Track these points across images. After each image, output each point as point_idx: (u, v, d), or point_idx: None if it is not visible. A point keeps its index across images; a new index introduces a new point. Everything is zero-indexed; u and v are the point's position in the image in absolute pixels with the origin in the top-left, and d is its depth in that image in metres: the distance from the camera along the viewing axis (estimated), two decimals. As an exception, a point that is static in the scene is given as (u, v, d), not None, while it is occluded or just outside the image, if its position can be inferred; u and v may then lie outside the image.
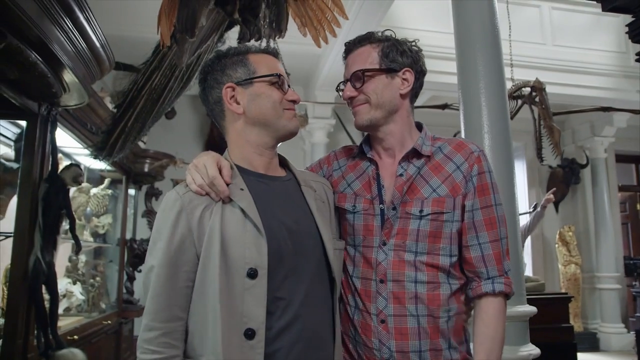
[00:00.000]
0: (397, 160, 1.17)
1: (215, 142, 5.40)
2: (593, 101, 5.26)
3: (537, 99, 3.66)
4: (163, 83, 2.11)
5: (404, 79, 1.18)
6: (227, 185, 1.03)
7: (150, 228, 4.81)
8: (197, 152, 4.75)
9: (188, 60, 2.05)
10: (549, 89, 5.03)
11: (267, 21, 1.96)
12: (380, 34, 1.21)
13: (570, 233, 6.31)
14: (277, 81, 1.10)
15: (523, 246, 4.76)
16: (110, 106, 3.76)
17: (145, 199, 4.94)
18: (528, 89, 3.75)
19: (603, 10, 2.04)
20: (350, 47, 1.22)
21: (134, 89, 2.15)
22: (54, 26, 1.96)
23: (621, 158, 6.94)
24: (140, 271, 4.71)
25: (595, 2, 2.01)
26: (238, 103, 1.10)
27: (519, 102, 3.89)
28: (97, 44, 2.26)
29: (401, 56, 1.17)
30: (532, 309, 1.81)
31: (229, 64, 1.12)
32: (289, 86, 1.14)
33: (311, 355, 1.00)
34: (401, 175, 1.14)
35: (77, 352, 2.27)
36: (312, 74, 5.24)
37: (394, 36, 1.21)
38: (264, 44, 1.92)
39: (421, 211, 1.10)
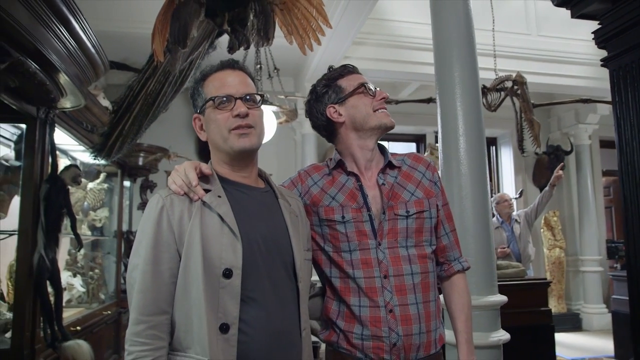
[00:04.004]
0: (374, 173, 1.35)
1: (208, 134, 5.48)
2: (577, 90, 5.39)
3: (518, 92, 3.79)
4: (157, 88, 2.21)
5: None
6: (208, 179, 1.13)
7: (146, 219, 4.91)
8: (189, 145, 4.84)
9: (181, 66, 2.15)
10: (534, 79, 5.15)
11: (255, 29, 2.06)
12: None
13: (555, 218, 6.49)
14: (213, 104, 1.14)
15: (531, 228, 4.90)
16: (104, 102, 3.85)
17: (140, 191, 5.04)
18: (510, 82, 3.87)
19: (572, 17, 2.16)
20: (357, 69, 1.42)
21: (130, 95, 2.25)
22: (50, 34, 2.04)
23: (605, 144, 7.09)
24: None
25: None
26: (204, 131, 1.20)
27: (502, 94, 4.01)
28: (92, 50, 2.35)
29: None
30: (503, 298, 1.96)
31: (194, 93, 1.22)
32: (239, 99, 1.14)
33: (282, 351, 1.09)
34: (383, 184, 1.33)
35: (82, 343, 2.40)
36: (302, 65, 5.33)
37: None
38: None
39: (407, 212, 1.30)
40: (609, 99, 4.50)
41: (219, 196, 1.12)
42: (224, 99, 1.15)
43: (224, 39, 2.27)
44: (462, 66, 2.06)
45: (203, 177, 1.14)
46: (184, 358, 1.05)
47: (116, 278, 4.39)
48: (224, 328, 1.03)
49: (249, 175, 1.21)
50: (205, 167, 1.15)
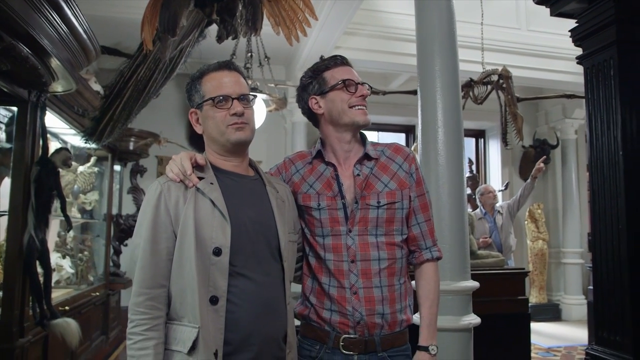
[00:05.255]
0: (351, 164, 1.41)
1: (199, 120, 5.52)
2: (565, 85, 5.46)
3: (503, 86, 3.87)
4: (148, 75, 2.26)
5: None
6: (202, 168, 1.25)
7: (135, 204, 4.98)
8: (180, 131, 4.86)
9: (171, 54, 2.20)
10: (523, 73, 5.22)
11: (244, 20, 2.11)
12: None
13: (540, 211, 6.62)
14: (212, 103, 1.26)
15: (513, 220, 5.01)
16: (96, 86, 3.87)
17: (130, 175, 5.09)
18: (496, 76, 3.95)
19: (551, 15, 2.24)
20: (346, 61, 1.44)
21: (121, 80, 2.30)
22: (42, 20, 2.08)
23: (591, 139, 7.21)
24: (126, 245, 4.89)
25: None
26: (200, 124, 1.32)
27: (489, 87, 4.09)
28: (84, 35, 2.39)
29: None
30: (475, 283, 2.06)
31: (192, 89, 1.32)
32: (236, 99, 1.26)
33: (268, 322, 1.21)
34: (358, 175, 1.39)
35: (70, 321, 2.47)
36: (294, 54, 5.36)
37: None
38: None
39: (378, 202, 1.36)
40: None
41: (211, 183, 1.24)
42: (221, 98, 1.26)
43: (214, 27, 2.32)
44: (443, 60, 2.13)
45: (198, 167, 1.26)
46: (178, 326, 1.17)
47: (105, 260, 4.46)
48: (214, 300, 1.16)
49: (240, 165, 1.33)
50: (199, 157, 1.27)
